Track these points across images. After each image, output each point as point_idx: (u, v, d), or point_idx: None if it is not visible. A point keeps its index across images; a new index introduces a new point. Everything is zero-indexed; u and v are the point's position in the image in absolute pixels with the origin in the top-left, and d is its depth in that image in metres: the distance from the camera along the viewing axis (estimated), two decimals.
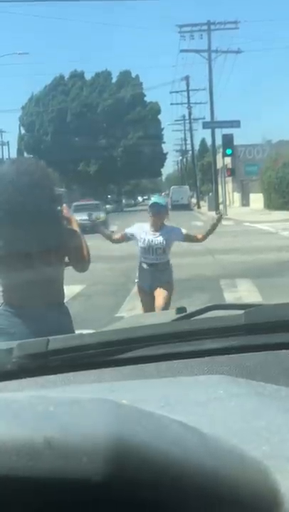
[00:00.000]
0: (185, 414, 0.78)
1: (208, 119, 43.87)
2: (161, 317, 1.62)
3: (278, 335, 1.19)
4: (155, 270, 5.76)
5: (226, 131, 37.54)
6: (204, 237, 5.89)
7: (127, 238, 5.83)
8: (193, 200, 58.72)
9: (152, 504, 0.54)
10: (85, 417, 0.58)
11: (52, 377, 1.12)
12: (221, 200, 40.46)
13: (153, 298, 5.80)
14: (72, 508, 0.52)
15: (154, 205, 5.84)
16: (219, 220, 5.89)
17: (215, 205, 40.54)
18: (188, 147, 73.75)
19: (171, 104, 68.03)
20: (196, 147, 73.13)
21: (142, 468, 0.54)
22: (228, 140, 35.67)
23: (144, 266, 5.80)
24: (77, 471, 0.52)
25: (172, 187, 65.58)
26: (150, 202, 6.07)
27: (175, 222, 6.35)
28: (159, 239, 5.69)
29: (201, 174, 67.34)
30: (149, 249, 5.71)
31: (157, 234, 5.72)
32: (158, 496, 0.54)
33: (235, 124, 39.17)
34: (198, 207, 53.38)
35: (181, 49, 44.83)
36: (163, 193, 65.10)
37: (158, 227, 5.75)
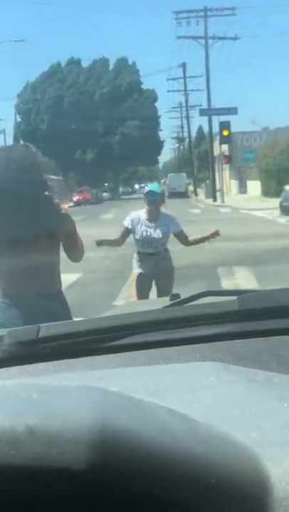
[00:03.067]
0: (175, 401, 0.77)
1: (205, 106, 43.73)
2: (154, 304, 1.61)
3: (271, 321, 1.17)
4: (156, 259, 5.49)
5: (224, 118, 37.48)
6: (192, 243, 5.64)
7: (128, 232, 5.52)
8: (190, 188, 58.64)
9: (137, 493, 0.53)
10: (70, 405, 0.57)
11: (42, 364, 1.11)
12: (218, 187, 40.42)
13: (151, 286, 5.59)
14: (55, 496, 0.51)
15: (149, 193, 5.52)
16: (213, 236, 5.61)
17: (212, 193, 40.52)
18: (185, 134, 73.59)
19: (168, 91, 68.28)
20: (193, 134, 73.07)
21: (126, 456, 0.53)
22: (225, 127, 35.58)
23: (143, 256, 5.53)
24: (60, 459, 0.51)
25: (169, 174, 65.51)
26: (145, 190, 5.72)
27: (173, 210, 6.27)
28: (156, 231, 5.39)
29: (198, 162, 67.23)
30: (145, 241, 5.44)
31: (154, 225, 5.42)
32: (143, 484, 0.53)
33: (233, 110, 39.07)
34: (196, 194, 53.34)
35: (178, 35, 44.63)
36: (162, 181, 64.97)
37: (154, 216, 5.47)
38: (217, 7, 43.16)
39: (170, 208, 6.13)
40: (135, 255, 5.61)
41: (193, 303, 1.31)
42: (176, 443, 0.58)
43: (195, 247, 5.90)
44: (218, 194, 39.00)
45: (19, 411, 0.55)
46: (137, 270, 5.62)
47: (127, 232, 5.52)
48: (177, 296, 1.47)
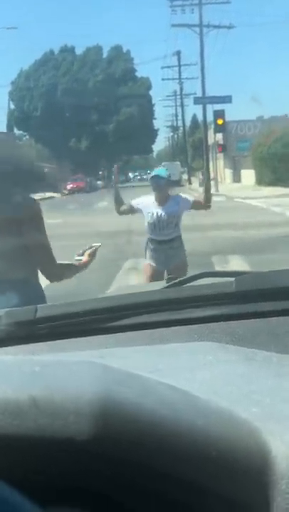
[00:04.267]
0: (174, 379, 0.77)
1: (199, 94, 43.50)
2: (152, 286, 1.61)
3: (269, 302, 1.18)
4: (169, 248, 5.27)
5: (218, 107, 37.35)
6: (207, 202, 5.44)
7: (133, 210, 5.37)
8: (185, 177, 58.57)
9: (135, 466, 0.53)
10: (71, 378, 0.58)
11: (40, 344, 1.11)
12: (212, 176, 40.35)
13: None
14: (58, 466, 0.51)
15: (154, 177, 5.33)
16: (207, 181, 5.49)
17: (206, 181, 40.43)
18: (180, 123, 73.43)
19: (163, 79, 67.82)
20: (188, 123, 72.86)
21: (126, 428, 0.53)
22: (219, 116, 35.46)
23: (155, 244, 5.28)
24: (63, 430, 0.51)
25: (163, 163, 65.25)
26: (151, 175, 5.49)
27: None
28: (166, 212, 5.19)
29: (192, 150, 67.11)
30: (158, 224, 5.21)
31: (165, 206, 5.22)
32: (142, 457, 0.53)
33: (227, 99, 38.88)
34: (190, 183, 53.28)
35: (173, 23, 44.33)
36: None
37: (163, 200, 5.28)
38: None
39: None
40: (147, 243, 5.39)
41: (191, 284, 1.31)
42: (176, 415, 0.58)
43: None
44: (212, 183, 38.90)
45: (22, 383, 0.55)
46: (148, 261, 5.41)
47: (131, 209, 5.38)
48: (174, 278, 1.47)
